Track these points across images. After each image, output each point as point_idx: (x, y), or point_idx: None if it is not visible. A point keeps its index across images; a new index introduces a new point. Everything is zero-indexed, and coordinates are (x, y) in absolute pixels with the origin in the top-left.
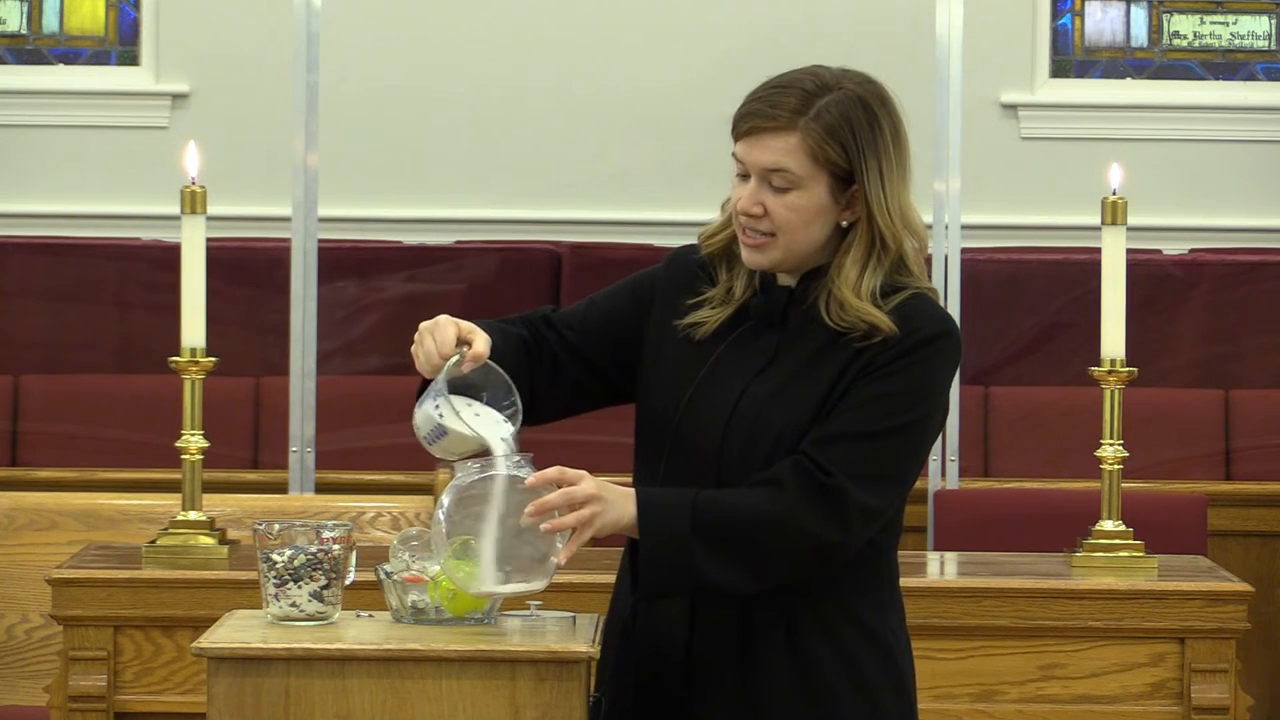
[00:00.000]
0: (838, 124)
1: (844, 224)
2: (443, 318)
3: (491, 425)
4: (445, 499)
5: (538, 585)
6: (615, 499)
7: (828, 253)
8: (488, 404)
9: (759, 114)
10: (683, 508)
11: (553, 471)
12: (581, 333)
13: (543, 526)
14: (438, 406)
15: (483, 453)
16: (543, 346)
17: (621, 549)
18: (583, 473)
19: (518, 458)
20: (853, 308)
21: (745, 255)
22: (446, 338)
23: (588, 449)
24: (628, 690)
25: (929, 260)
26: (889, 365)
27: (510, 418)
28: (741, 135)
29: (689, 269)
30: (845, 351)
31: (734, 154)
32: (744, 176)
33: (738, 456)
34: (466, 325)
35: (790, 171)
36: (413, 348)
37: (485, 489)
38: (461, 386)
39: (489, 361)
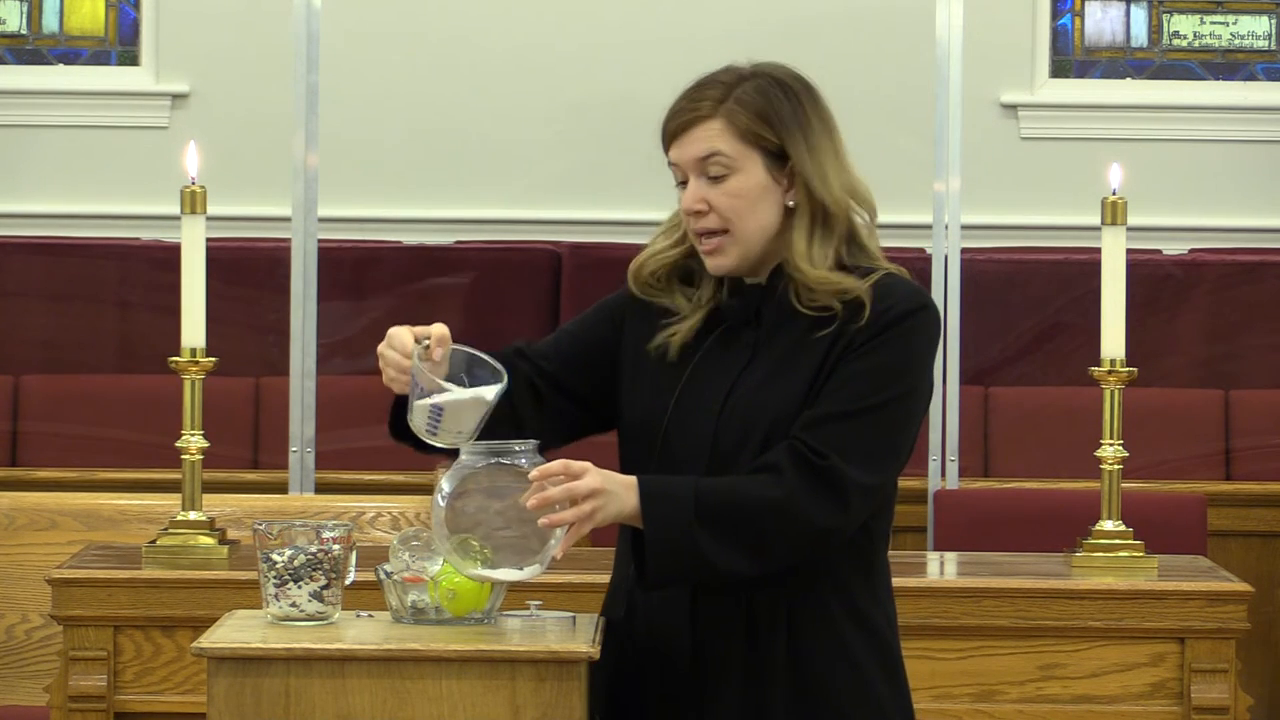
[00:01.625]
0: (757, 102)
1: (790, 204)
2: (392, 329)
3: (479, 387)
4: (445, 485)
5: (530, 573)
6: (617, 490)
7: (787, 245)
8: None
9: (682, 111)
10: (685, 496)
11: (557, 465)
12: (558, 361)
13: (540, 521)
14: (421, 389)
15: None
16: (519, 378)
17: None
18: (587, 465)
19: (525, 445)
20: (811, 278)
21: (708, 264)
22: (404, 341)
23: (586, 449)
24: (630, 692)
25: (928, 260)
26: (869, 342)
27: (496, 377)
28: (671, 139)
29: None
30: (826, 335)
31: (669, 163)
32: (683, 184)
33: (731, 452)
34: (421, 328)
35: (722, 154)
36: (380, 370)
37: (487, 475)
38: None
39: (458, 346)
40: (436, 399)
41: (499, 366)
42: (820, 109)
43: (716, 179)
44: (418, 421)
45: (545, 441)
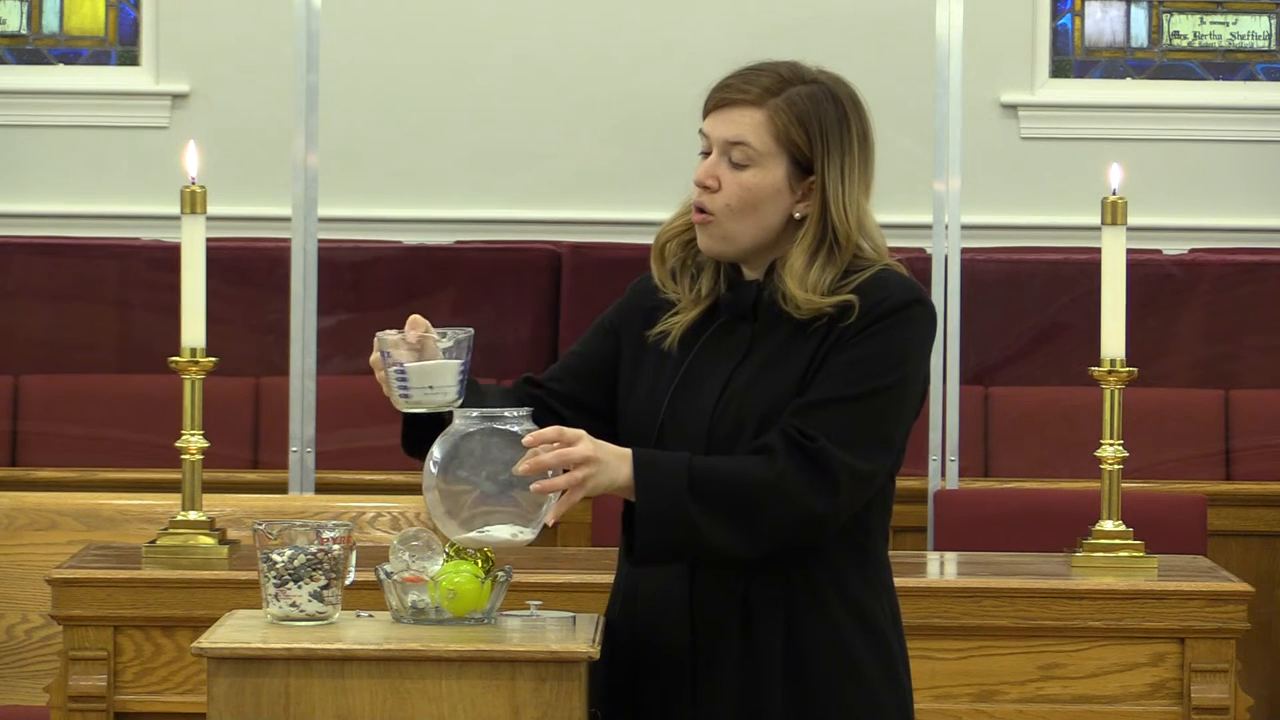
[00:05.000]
0: (806, 110)
1: (797, 215)
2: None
3: (442, 357)
4: (437, 450)
5: (524, 538)
6: (610, 460)
7: (784, 246)
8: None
9: (731, 88)
10: (678, 469)
11: (551, 431)
12: (570, 380)
13: (533, 486)
14: (385, 355)
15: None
16: (536, 405)
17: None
18: (580, 432)
19: (518, 412)
20: (800, 300)
21: (698, 236)
22: (382, 338)
23: None
24: (625, 686)
25: (928, 260)
26: (862, 332)
27: (460, 346)
28: (710, 110)
29: (651, 287)
30: (819, 328)
31: (700, 130)
32: (706, 154)
33: (726, 445)
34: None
35: (750, 146)
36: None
37: (480, 441)
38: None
39: (435, 330)
40: (395, 354)
41: (466, 333)
42: (867, 138)
43: (737, 165)
44: (392, 393)
45: None
